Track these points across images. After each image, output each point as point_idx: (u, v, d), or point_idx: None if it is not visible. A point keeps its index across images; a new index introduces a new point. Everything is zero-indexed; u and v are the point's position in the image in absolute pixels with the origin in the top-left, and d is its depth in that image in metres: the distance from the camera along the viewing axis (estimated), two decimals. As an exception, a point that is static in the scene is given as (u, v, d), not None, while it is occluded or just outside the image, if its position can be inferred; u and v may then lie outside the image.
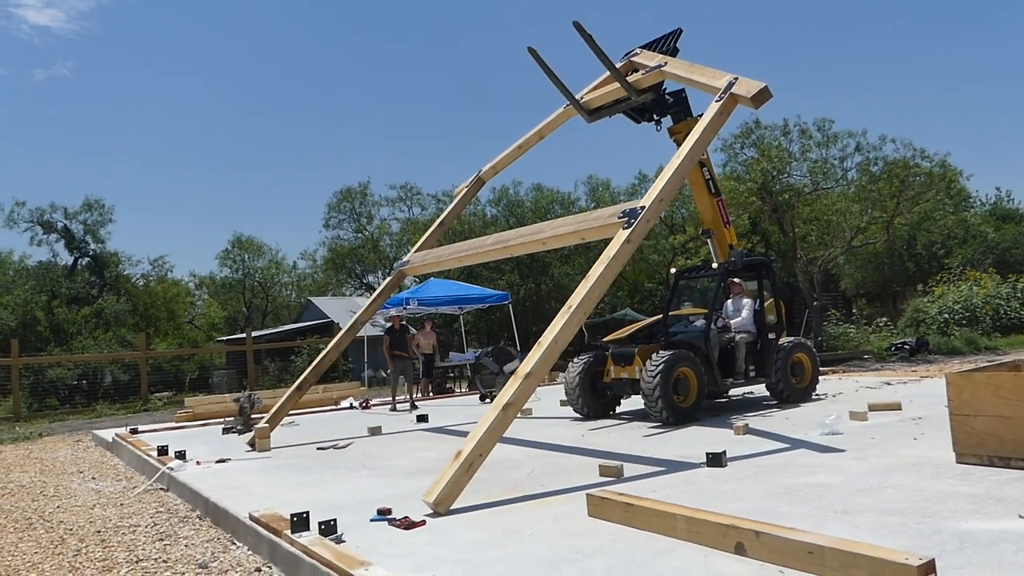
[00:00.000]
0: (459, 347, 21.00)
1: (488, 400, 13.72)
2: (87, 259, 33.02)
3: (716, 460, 6.02)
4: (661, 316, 10.18)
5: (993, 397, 5.24)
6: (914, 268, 30.52)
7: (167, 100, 71.86)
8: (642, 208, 6.51)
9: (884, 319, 24.71)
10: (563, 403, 10.58)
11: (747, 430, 7.67)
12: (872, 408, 8.43)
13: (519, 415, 7.55)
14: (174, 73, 72.70)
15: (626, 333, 10.41)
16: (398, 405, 13.34)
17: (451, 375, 19.70)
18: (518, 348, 15.80)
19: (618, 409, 10.18)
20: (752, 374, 9.66)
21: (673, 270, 11.34)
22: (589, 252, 32.18)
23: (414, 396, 13.76)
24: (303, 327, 28.44)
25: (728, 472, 5.78)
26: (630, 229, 6.39)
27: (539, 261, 31.45)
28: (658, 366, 8.47)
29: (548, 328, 6.10)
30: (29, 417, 18.55)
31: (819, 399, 10.08)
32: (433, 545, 4.30)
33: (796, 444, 6.83)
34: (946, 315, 22.47)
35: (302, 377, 9.90)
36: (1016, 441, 5.12)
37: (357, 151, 73.76)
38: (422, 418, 10.98)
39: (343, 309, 28.36)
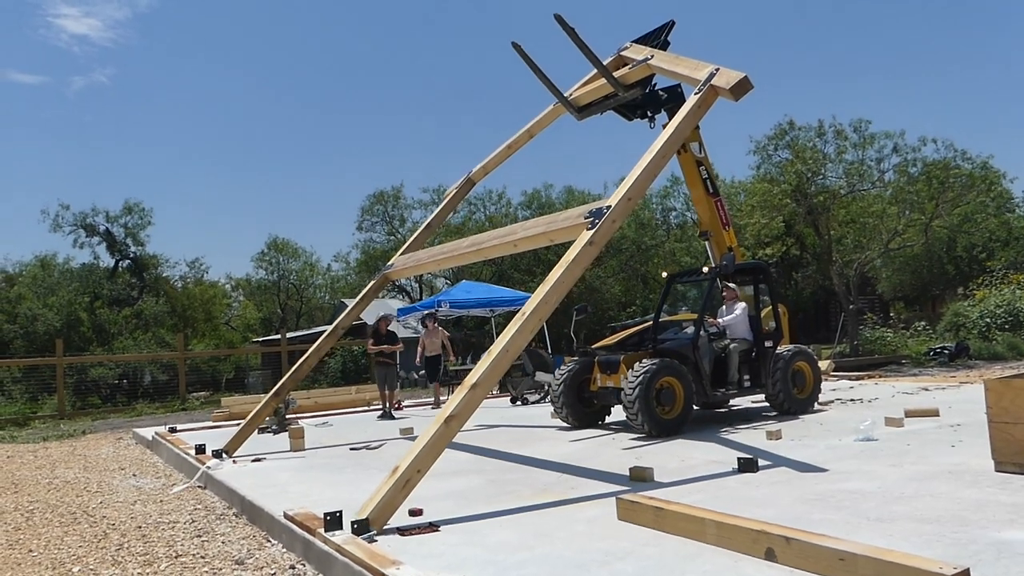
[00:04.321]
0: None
1: (519, 403, 13.76)
2: (128, 261, 33.85)
3: (748, 465, 5.99)
4: (650, 322, 9.81)
5: (1033, 404, 5.14)
6: (954, 271, 29.89)
7: (202, 105, 73.21)
8: (608, 208, 6.17)
9: (923, 323, 24.25)
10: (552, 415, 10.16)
11: (780, 435, 7.59)
12: (909, 414, 8.32)
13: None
14: (209, 79, 74.07)
15: (615, 339, 10.15)
16: (394, 412, 12.95)
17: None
18: (549, 351, 15.81)
19: (608, 419, 9.76)
20: (747, 384, 9.26)
21: (664, 274, 11.03)
22: (621, 254, 32.14)
23: (390, 404, 13.04)
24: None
25: (760, 478, 5.75)
26: (593, 230, 6.03)
27: (571, 263, 31.38)
28: (639, 376, 8.11)
29: (500, 335, 5.75)
30: (73, 415, 19.04)
31: (822, 410, 9.66)
32: (464, 546, 4.34)
33: (830, 450, 6.76)
34: (988, 319, 21.98)
35: (280, 383, 9.68)
36: (1057, 449, 5.02)
37: (391, 154, 74.43)
38: (406, 431, 10.13)
39: (375, 311, 28.60)
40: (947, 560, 3.17)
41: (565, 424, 9.54)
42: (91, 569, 4.80)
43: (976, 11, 71.32)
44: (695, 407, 8.85)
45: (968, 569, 3.03)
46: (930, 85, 69.75)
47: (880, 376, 14.80)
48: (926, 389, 11.51)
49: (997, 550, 3.64)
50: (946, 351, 19.12)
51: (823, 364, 15.00)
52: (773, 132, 21.20)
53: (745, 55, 75.04)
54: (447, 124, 77.32)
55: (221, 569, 4.66)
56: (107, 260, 33.84)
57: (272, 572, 4.55)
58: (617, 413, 9.36)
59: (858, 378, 14.13)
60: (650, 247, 32.24)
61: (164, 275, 35.69)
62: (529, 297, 5.94)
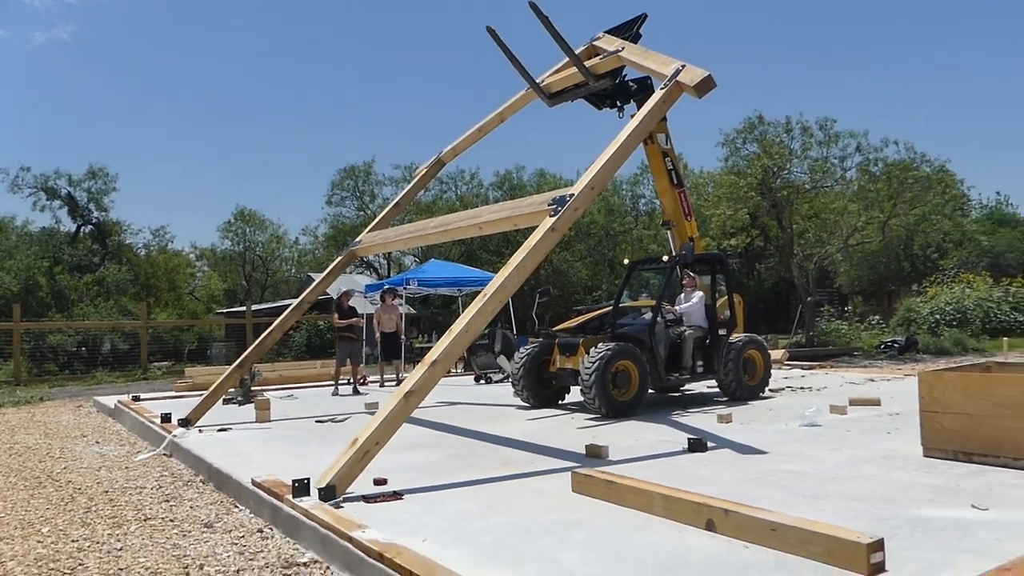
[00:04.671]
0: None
1: (483, 381, 14.00)
2: (90, 227, 33.28)
3: (697, 446, 6.31)
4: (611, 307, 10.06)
5: (961, 396, 5.51)
6: (909, 268, 30.81)
7: (169, 69, 71.72)
8: (571, 196, 6.36)
9: (877, 317, 25.01)
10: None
11: (730, 419, 7.95)
12: (853, 403, 8.74)
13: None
14: (176, 44, 72.50)
15: (576, 323, 10.41)
16: (341, 388, 12.81)
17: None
18: (514, 331, 16.06)
19: (566, 399, 9.96)
20: (700, 370, 9.58)
21: (626, 261, 11.29)
22: (590, 239, 32.50)
23: (358, 379, 13.08)
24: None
25: (708, 457, 6.07)
26: (555, 217, 6.23)
27: (538, 247, 31.66)
28: (596, 359, 8.38)
29: (462, 315, 5.95)
30: (29, 381, 18.86)
31: (771, 396, 10.03)
32: (425, 514, 4.58)
33: (776, 434, 7.12)
34: (937, 316, 22.76)
35: (243, 356, 9.76)
36: (980, 438, 5.41)
37: (363, 130, 73.78)
38: (371, 405, 10.03)
39: (343, 286, 28.61)
40: (867, 532, 3.48)
41: (525, 404, 9.80)
42: (60, 530, 4.94)
43: (945, 24, 72.73)
44: (650, 390, 9.18)
45: (883, 539, 3.36)
46: (895, 88, 71.16)
47: (831, 367, 15.34)
48: (872, 380, 12.01)
49: (913, 525, 3.98)
50: (896, 344, 19.78)
51: (778, 354, 15.52)
52: (742, 126, 21.65)
53: (719, 48, 75.67)
54: (420, 102, 76.83)
55: (190, 532, 4.84)
56: (68, 225, 33.32)
57: (241, 535, 4.74)
58: (575, 394, 9.61)
59: (810, 368, 14.63)
60: (618, 233, 32.65)
61: (127, 242, 35.16)
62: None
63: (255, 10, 75.75)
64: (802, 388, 11.00)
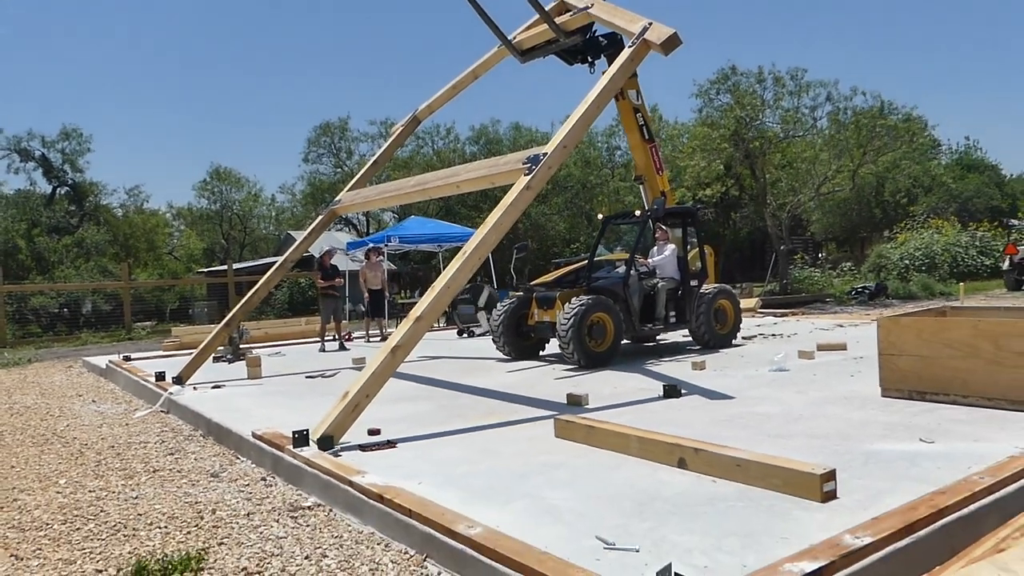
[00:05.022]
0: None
1: (465, 335, 14.36)
2: (66, 188, 32.93)
3: (672, 392, 6.70)
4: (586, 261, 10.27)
5: (916, 339, 5.92)
6: (881, 215, 31.43)
7: (137, 24, 69.81)
8: (544, 155, 6.55)
9: (849, 264, 25.65)
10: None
11: (704, 366, 8.36)
12: (820, 348, 9.18)
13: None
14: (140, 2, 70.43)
15: (552, 277, 10.69)
16: (327, 345, 13.15)
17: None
18: (495, 285, 16.38)
19: (545, 352, 10.27)
20: (673, 320, 9.95)
21: (600, 216, 11.52)
22: (567, 192, 32.69)
23: (342, 335, 13.47)
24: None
25: (682, 403, 6.46)
26: (530, 176, 6.41)
27: (517, 200, 31.84)
28: (573, 311, 8.68)
29: (443, 272, 6.20)
30: (15, 344, 18.95)
31: (744, 344, 10.45)
32: (418, 460, 4.92)
33: (746, 379, 7.54)
34: (907, 261, 23.40)
35: (231, 314, 9.95)
36: (933, 378, 5.83)
37: (337, 87, 72.62)
38: (358, 360, 10.32)
39: (323, 243, 28.74)
40: (822, 465, 3.87)
41: (506, 356, 10.14)
42: (76, 482, 5.25)
43: (920, -44, 72.30)
44: (625, 340, 9.56)
45: (835, 470, 3.75)
46: (864, 33, 71.03)
47: (803, 313, 15.85)
48: (841, 326, 12.50)
49: (866, 458, 4.39)
50: (866, 291, 20.40)
51: (751, 302, 16.00)
52: (715, 77, 21.81)
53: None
54: (394, 56, 75.57)
55: (198, 481, 5.16)
56: (44, 187, 32.95)
57: (246, 483, 5.07)
58: (553, 346, 9.97)
59: (783, 315, 15.11)
60: (595, 185, 32.85)
61: (104, 203, 34.85)
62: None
63: (221, -41, 73.62)
64: (773, 335, 11.46)
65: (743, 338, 11.05)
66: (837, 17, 72.79)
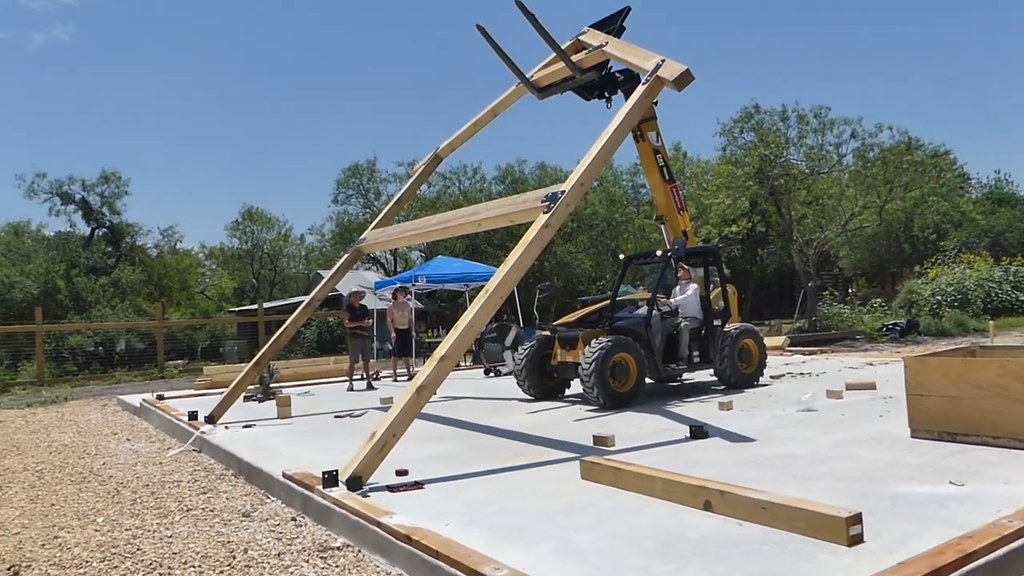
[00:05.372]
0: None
1: (492, 375, 14.41)
2: (104, 230, 33.86)
3: (698, 432, 6.70)
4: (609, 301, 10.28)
5: (943, 380, 5.89)
6: (910, 250, 31.08)
7: (171, 70, 72.03)
8: (562, 192, 6.61)
9: (879, 300, 25.33)
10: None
11: (731, 406, 8.33)
12: (849, 387, 9.11)
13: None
14: (177, 44, 72.79)
15: (575, 317, 10.74)
16: (355, 384, 13.30)
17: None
18: (521, 325, 16.46)
19: (569, 389, 10.25)
20: (696, 360, 9.92)
21: (621, 256, 11.52)
22: (592, 230, 32.86)
23: (370, 375, 13.66)
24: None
25: (708, 443, 6.46)
26: (549, 214, 6.47)
27: (543, 238, 32.06)
28: (595, 351, 8.69)
29: (466, 312, 6.26)
30: (52, 382, 19.36)
31: (772, 383, 10.37)
32: (446, 500, 4.98)
33: (773, 419, 7.51)
34: (938, 297, 23.08)
35: (260, 353, 10.13)
36: (962, 419, 5.79)
37: (366, 128, 74.04)
38: (386, 400, 10.37)
39: (351, 283, 29.11)
40: (849, 508, 3.87)
41: (529, 396, 10.10)
42: (113, 519, 5.38)
43: (938, 9, 72.53)
44: (649, 380, 9.54)
45: (860, 513, 3.75)
46: (889, 69, 71.09)
47: (832, 351, 15.70)
48: (871, 364, 12.37)
49: (893, 500, 4.37)
50: (897, 327, 20.13)
51: (779, 340, 15.89)
52: (739, 115, 21.95)
53: (715, 36, 75.58)
54: (419, 100, 76.98)
55: (230, 520, 5.26)
56: (83, 228, 33.99)
57: (276, 523, 5.16)
58: (577, 386, 9.87)
59: (811, 353, 14.99)
60: (620, 223, 32.98)
61: (139, 243, 35.76)
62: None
63: (257, 9, 75.95)
64: (802, 374, 11.38)
65: (771, 377, 10.99)
66: (860, 54, 73.00)
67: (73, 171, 53.05)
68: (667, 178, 11.23)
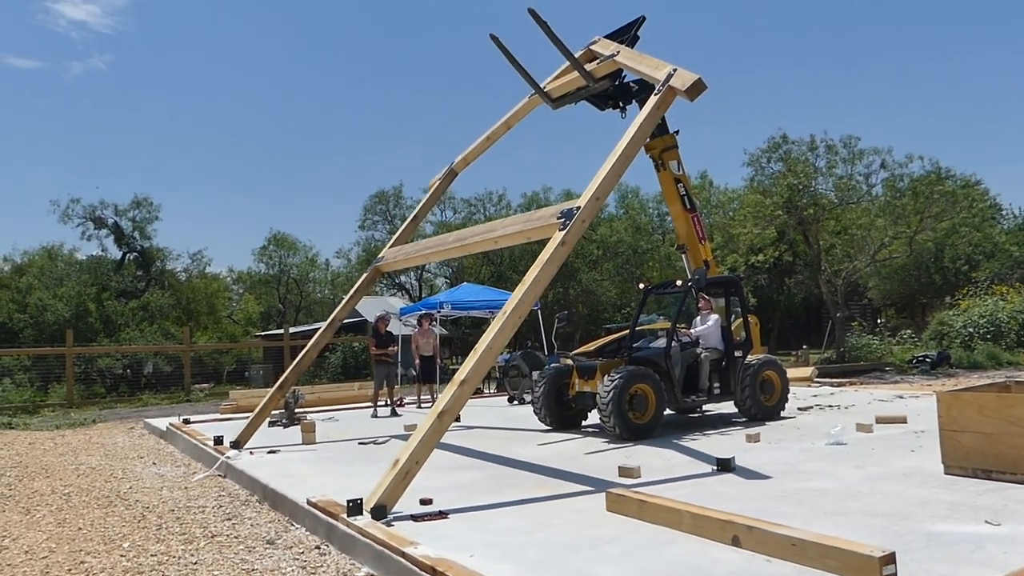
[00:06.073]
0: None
1: (516, 403, 14.36)
2: (135, 254, 34.51)
3: (725, 465, 6.60)
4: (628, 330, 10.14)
5: (978, 415, 5.76)
6: (941, 281, 30.61)
7: (201, 97, 73.61)
8: (577, 209, 6.52)
9: (908, 331, 24.92)
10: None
11: (758, 439, 8.22)
12: (879, 420, 8.95)
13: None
14: (208, 72, 74.46)
15: (595, 346, 10.61)
16: (379, 410, 13.31)
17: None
18: (545, 352, 16.42)
19: (588, 420, 10.12)
20: (717, 391, 9.75)
21: (641, 286, 11.40)
22: (618, 258, 32.82)
23: (394, 401, 13.65)
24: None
25: (735, 476, 6.37)
26: (565, 231, 6.40)
27: (567, 266, 32.07)
28: (613, 382, 8.57)
29: (485, 334, 6.22)
30: (80, 404, 19.59)
31: (799, 416, 10.19)
32: (471, 531, 4.95)
33: (802, 452, 7.39)
34: (971, 329, 22.64)
35: (284, 376, 10.11)
36: (998, 456, 5.65)
37: (392, 154, 74.89)
38: (410, 427, 10.09)
39: (376, 308, 29.29)
40: (881, 546, 3.78)
41: (547, 427, 9.94)
42: (139, 545, 5.40)
43: (970, 31, 72.17)
44: (669, 412, 9.39)
45: (894, 553, 3.66)
46: (920, 105, 70.70)
47: (861, 383, 15.45)
48: (901, 397, 12.14)
49: (927, 539, 4.27)
50: (928, 359, 19.75)
51: (807, 371, 15.68)
52: (767, 145, 21.90)
53: (744, 66, 75.73)
54: (444, 126, 77.84)
55: (255, 548, 5.27)
56: (114, 252, 34.70)
57: (300, 551, 5.16)
58: (595, 416, 9.75)
59: (840, 385, 14.77)
60: (646, 251, 32.92)
61: (169, 268, 36.36)
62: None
63: (285, 35, 77.54)
64: (830, 406, 11.20)
65: (798, 409, 10.84)
66: (889, 85, 72.67)
67: (105, 195, 54.36)
68: (688, 207, 11.20)
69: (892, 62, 73.14)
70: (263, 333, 36.23)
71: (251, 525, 5.93)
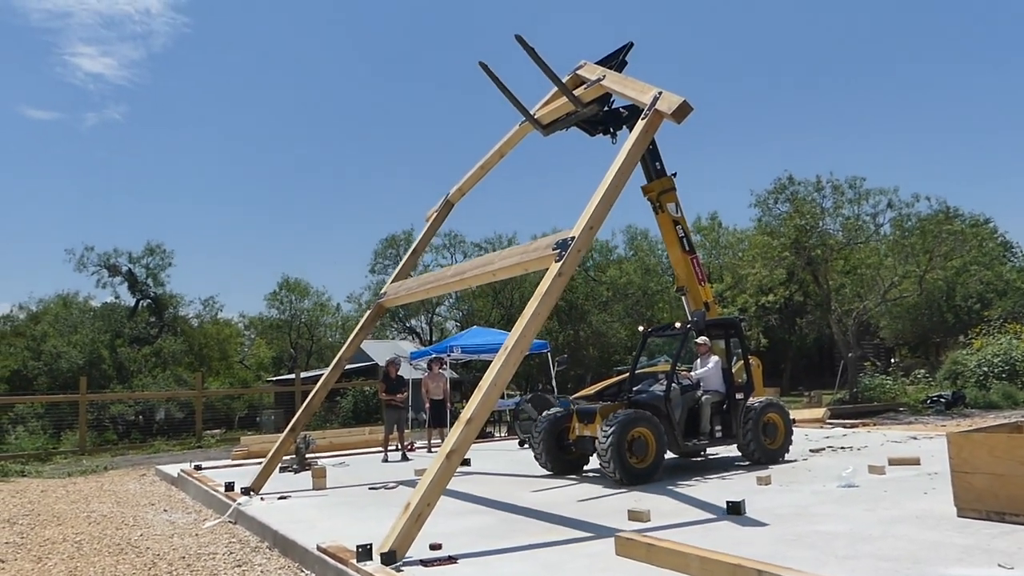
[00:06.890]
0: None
1: (526, 446, 14.29)
2: (148, 301, 34.84)
3: (735, 508, 6.57)
4: (628, 374, 10.06)
5: (989, 456, 5.74)
6: (953, 320, 30.44)
7: (214, 146, 74.97)
8: (572, 239, 6.50)
9: (922, 371, 24.73)
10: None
11: (769, 481, 8.16)
12: (892, 462, 8.88)
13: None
14: (221, 122, 75.93)
15: (595, 389, 10.51)
16: (390, 455, 13.24)
17: (491, 419, 20.24)
18: (556, 394, 16.38)
19: (589, 464, 9.91)
20: (719, 434, 9.64)
21: (640, 328, 11.35)
22: (627, 299, 32.85)
23: (405, 445, 13.62)
24: (348, 369, 29.42)
25: (746, 519, 6.33)
26: (561, 262, 6.40)
27: (577, 308, 32.15)
28: (612, 426, 8.48)
29: (488, 370, 6.20)
30: (93, 451, 19.61)
31: (807, 459, 10.07)
32: (480, 576, 4.95)
33: (813, 495, 7.34)
34: (985, 368, 22.44)
35: (294, 419, 10.12)
36: (1010, 498, 5.61)
37: (402, 199, 75.68)
38: (420, 471, 9.83)
39: (387, 352, 29.36)
40: (890, 590, 3.78)
41: (548, 472, 9.81)
42: (149, 593, 5.42)
43: (974, 69, 72.88)
44: (671, 455, 9.30)
45: (903, 597, 3.65)
46: (926, 142, 71.13)
47: (874, 424, 15.31)
48: (914, 438, 12.03)
49: (938, 583, 4.24)
50: (943, 399, 19.56)
51: (819, 412, 15.57)
52: (773, 186, 22.06)
53: (750, 108, 76.57)
54: (453, 169, 78.78)
55: (264, 594, 5.27)
56: (128, 299, 35.04)
57: (310, 597, 5.15)
58: (596, 461, 9.70)
59: (852, 426, 14.64)
60: (655, 292, 32.94)
61: (181, 314, 36.65)
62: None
63: (295, 83, 79.14)
64: (843, 448, 11.11)
65: (810, 451, 10.77)
66: (894, 122, 73.15)
67: (118, 242, 55.05)
68: (687, 249, 11.25)
69: (898, 100, 73.76)
70: (274, 378, 36.28)
71: (261, 572, 5.94)
